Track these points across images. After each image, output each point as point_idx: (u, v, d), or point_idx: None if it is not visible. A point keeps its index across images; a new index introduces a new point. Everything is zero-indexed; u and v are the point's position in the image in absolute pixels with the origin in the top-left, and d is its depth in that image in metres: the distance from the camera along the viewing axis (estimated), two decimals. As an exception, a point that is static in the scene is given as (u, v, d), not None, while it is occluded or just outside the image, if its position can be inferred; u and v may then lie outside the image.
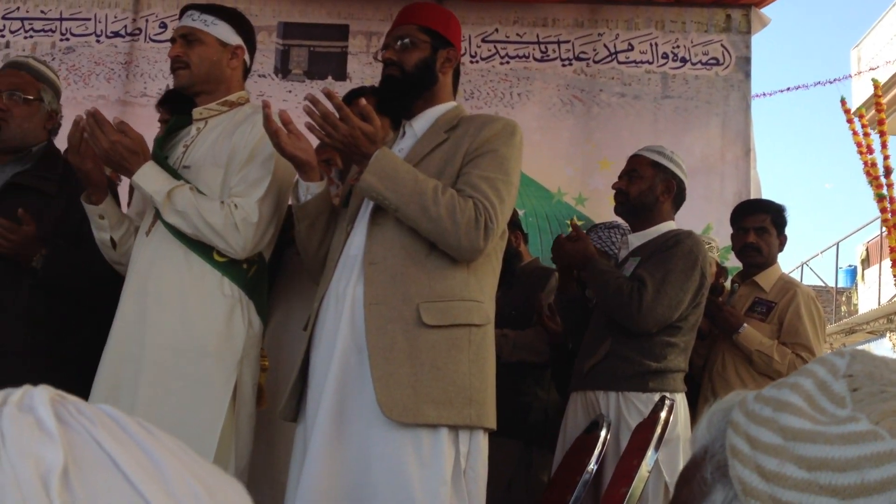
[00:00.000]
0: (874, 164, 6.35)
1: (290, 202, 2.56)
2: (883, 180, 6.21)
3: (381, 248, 2.18)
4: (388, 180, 2.13)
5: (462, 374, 2.11)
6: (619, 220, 3.53)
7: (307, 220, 2.36)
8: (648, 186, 3.09)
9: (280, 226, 2.52)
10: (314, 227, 2.38)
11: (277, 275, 2.83)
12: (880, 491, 0.60)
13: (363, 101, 2.21)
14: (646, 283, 2.85)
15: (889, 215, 6.24)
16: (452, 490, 2.06)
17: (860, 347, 11.56)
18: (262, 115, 2.25)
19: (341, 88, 4.61)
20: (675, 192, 3.12)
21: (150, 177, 2.39)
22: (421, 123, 2.37)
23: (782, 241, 3.72)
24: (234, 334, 2.38)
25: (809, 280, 16.22)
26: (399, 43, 2.35)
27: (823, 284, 16.27)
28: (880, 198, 6.27)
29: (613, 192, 3.21)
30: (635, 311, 2.83)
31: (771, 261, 3.68)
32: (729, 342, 3.52)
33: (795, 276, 16.03)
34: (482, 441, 2.17)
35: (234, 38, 2.58)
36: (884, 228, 6.53)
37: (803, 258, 20.56)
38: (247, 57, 2.65)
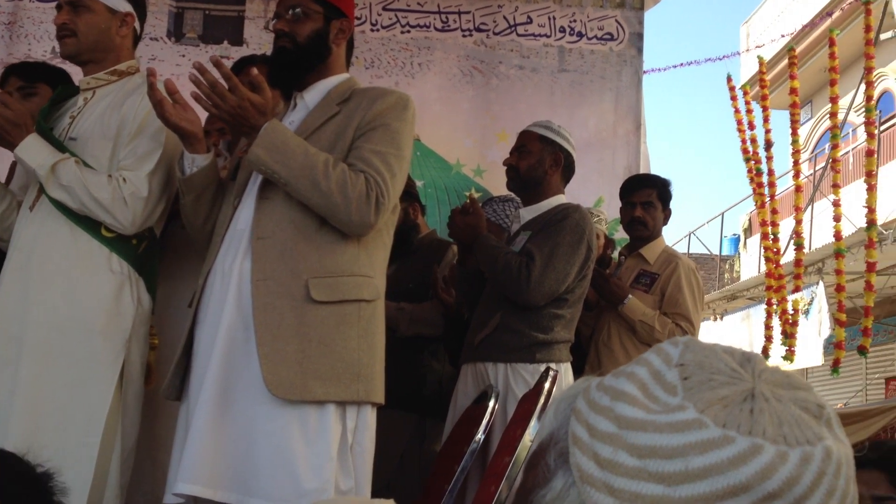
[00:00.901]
0: (754, 140, 6.63)
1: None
2: (763, 153, 6.51)
3: (269, 223, 2.15)
4: (277, 153, 2.10)
5: (351, 349, 2.11)
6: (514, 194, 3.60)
7: (192, 194, 2.31)
8: (537, 160, 3.15)
9: (171, 200, 2.46)
10: (200, 200, 2.33)
11: (161, 249, 2.79)
12: (703, 477, 0.63)
13: (254, 71, 2.17)
14: (534, 258, 2.92)
15: (766, 189, 6.55)
16: (339, 466, 2.07)
17: (744, 311, 12.08)
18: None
19: (237, 54, 4.52)
20: (564, 165, 3.20)
21: (33, 150, 2.30)
22: (312, 95, 2.34)
23: (667, 214, 3.86)
24: (123, 312, 2.33)
25: (696, 248, 16.89)
26: (291, 13, 2.29)
27: (709, 252, 16.93)
28: (758, 172, 6.58)
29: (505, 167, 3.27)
30: (524, 285, 2.90)
31: (656, 234, 3.82)
32: (615, 313, 3.64)
33: (683, 245, 16.60)
34: (370, 416, 2.19)
35: (123, 5, 2.49)
36: (756, 204, 6.88)
37: (691, 228, 21.28)
38: (137, 24, 2.56)
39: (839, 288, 6.30)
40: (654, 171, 4.63)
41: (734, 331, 12.13)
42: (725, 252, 16.57)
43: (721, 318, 12.80)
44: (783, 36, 11.31)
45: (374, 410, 2.21)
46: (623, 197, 3.87)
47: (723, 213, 15.50)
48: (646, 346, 3.56)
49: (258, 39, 4.69)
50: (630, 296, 3.61)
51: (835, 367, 6.38)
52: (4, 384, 2.22)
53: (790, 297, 6.75)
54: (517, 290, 2.92)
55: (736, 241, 16.21)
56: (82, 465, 2.20)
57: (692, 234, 16.54)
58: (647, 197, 3.78)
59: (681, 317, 3.60)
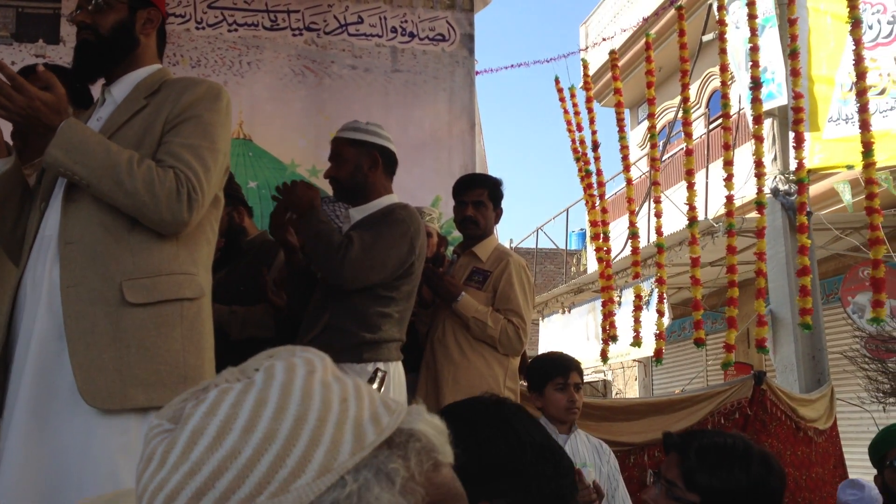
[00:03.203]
0: (583, 142, 6.87)
1: None
2: (591, 154, 6.75)
3: (77, 227, 2.04)
4: (75, 153, 1.99)
5: (174, 351, 2.02)
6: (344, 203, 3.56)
7: None
8: (354, 167, 3.12)
9: None
10: (5, 206, 2.20)
11: None
12: None
13: (41, 68, 2.07)
14: (353, 243, 2.91)
15: (594, 190, 6.82)
16: None
17: (590, 304, 12.47)
18: None
19: (54, 53, 4.32)
20: (383, 163, 3.17)
21: None
22: (120, 89, 2.23)
23: (498, 213, 3.93)
24: None
25: (544, 243, 17.32)
26: (92, 3, 2.20)
27: (556, 247, 17.39)
28: (587, 174, 6.82)
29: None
30: (338, 263, 2.88)
31: (488, 232, 3.88)
32: (449, 310, 3.68)
33: (531, 240, 16.98)
34: None
35: None
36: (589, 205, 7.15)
37: (538, 223, 21.82)
38: None
39: (660, 280, 6.61)
40: (496, 171, 4.73)
41: (581, 322, 12.52)
42: (573, 246, 17.08)
43: (569, 311, 13.19)
44: (614, 36, 11.73)
45: None
46: (455, 196, 3.91)
47: (567, 209, 15.97)
48: (479, 342, 3.63)
49: (76, 38, 4.47)
50: (463, 293, 3.66)
51: (657, 357, 6.69)
52: None
53: (629, 286, 7.05)
54: (331, 266, 2.91)
55: (583, 235, 16.73)
56: None
57: (540, 230, 16.97)
58: (478, 196, 3.83)
59: (512, 312, 3.68)
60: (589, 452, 3.34)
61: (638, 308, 7.44)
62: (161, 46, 2.36)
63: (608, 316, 7.16)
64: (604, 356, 7.52)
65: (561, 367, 3.41)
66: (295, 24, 4.79)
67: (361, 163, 3.13)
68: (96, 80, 2.28)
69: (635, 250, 7.31)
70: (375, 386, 2.58)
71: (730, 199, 5.79)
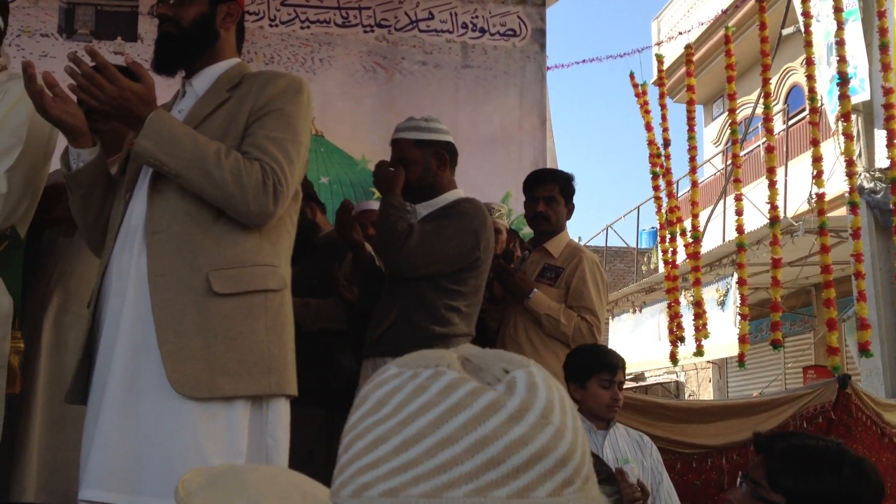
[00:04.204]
0: (651, 142, 6.72)
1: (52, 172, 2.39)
2: (662, 151, 6.59)
3: (163, 217, 2.06)
4: (164, 144, 2.00)
5: (260, 342, 2.03)
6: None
7: (80, 190, 2.21)
8: (423, 169, 3.08)
9: (37, 198, 2.35)
10: (89, 196, 2.22)
11: (47, 256, 2.68)
12: None
13: (129, 59, 2.08)
14: (413, 231, 2.92)
15: (660, 192, 6.66)
16: (250, 462, 1.99)
17: (661, 303, 12.28)
18: (14, 83, 2.09)
19: (132, 50, 4.40)
20: (450, 159, 3.13)
21: None
22: (201, 82, 2.24)
23: (570, 209, 3.86)
24: None
25: (613, 241, 17.06)
26: None
27: (626, 245, 17.12)
28: (654, 175, 6.67)
29: None
30: (398, 248, 2.90)
31: (559, 228, 3.81)
32: (520, 306, 3.63)
33: (600, 238, 16.76)
34: (283, 408, 2.11)
35: None
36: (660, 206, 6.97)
37: (608, 221, 21.51)
38: (0, 22, 2.46)
39: (741, 282, 6.42)
40: (566, 167, 4.67)
41: (652, 322, 12.32)
42: (644, 245, 16.81)
43: (640, 311, 13.01)
44: (690, 30, 11.50)
45: (287, 402, 2.14)
46: (526, 192, 3.86)
47: (638, 207, 15.71)
48: (553, 339, 3.56)
49: (153, 35, 4.54)
50: (535, 290, 3.60)
51: (740, 361, 6.51)
52: None
53: (690, 292, 6.88)
54: (391, 250, 2.93)
55: (653, 233, 16.43)
56: None
57: (609, 228, 16.73)
58: (549, 192, 3.76)
59: (586, 310, 3.61)
60: (630, 447, 3.22)
61: (698, 316, 7.24)
62: (240, 41, 2.37)
63: (674, 317, 7.00)
64: (673, 358, 7.34)
65: (609, 364, 3.23)
66: (366, 21, 4.81)
67: (430, 163, 3.09)
68: (176, 73, 2.30)
69: (695, 255, 7.13)
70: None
71: (821, 196, 5.59)
